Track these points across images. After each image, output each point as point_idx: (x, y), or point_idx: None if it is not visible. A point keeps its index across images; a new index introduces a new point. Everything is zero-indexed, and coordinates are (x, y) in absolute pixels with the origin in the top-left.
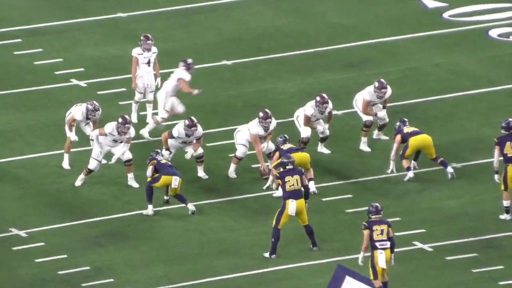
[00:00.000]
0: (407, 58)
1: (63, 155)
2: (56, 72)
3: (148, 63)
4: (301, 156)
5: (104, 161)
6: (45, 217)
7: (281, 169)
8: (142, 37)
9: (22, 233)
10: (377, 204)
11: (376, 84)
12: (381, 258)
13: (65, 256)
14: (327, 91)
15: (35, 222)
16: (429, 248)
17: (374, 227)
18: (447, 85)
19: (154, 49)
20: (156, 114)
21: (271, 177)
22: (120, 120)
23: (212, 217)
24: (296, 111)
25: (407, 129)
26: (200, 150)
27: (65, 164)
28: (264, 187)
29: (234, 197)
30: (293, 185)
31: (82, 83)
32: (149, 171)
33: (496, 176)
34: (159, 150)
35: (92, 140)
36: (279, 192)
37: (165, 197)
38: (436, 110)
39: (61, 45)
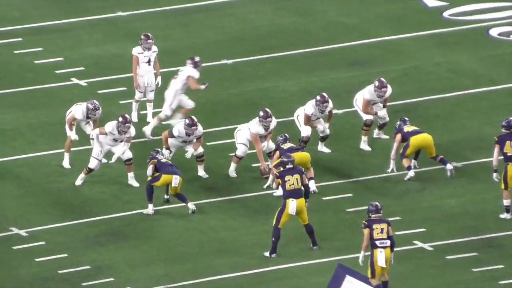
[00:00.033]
0: (407, 57)
1: (63, 154)
2: (57, 71)
3: (149, 62)
4: (301, 156)
5: (104, 160)
6: (46, 216)
7: (281, 168)
8: (142, 36)
9: (23, 232)
10: (377, 203)
11: (376, 83)
12: (381, 257)
13: (65, 255)
14: (327, 90)
15: (36, 221)
16: (429, 247)
17: (374, 226)
18: (447, 84)
19: (154, 48)
20: (156, 113)
21: (271, 176)
22: (120, 119)
23: (212, 216)
24: (297, 110)
25: (408, 128)
26: (201, 149)
27: (66, 163)
28: (265, 186)
29: (235, 196)
30: (293, 184)
31: (83, 82)
32: (150, 170)
33: (494, 175)
34: (159, 149)
35: (93, 139)
36: (279, 191)
37: (166, 196)
38: (437, 109)
39: (61, 44)
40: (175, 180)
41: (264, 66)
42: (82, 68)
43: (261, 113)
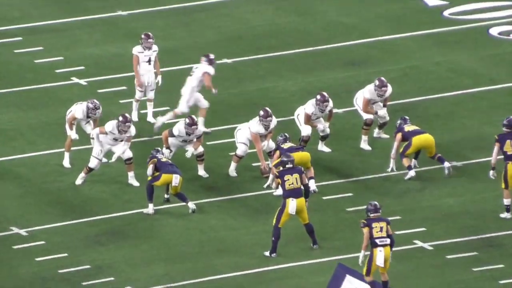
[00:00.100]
0: (407, 57)
1: (63, 154)
2: (57, 71)
3: (149, 61)
4: (301, 155)
5: (104, 160)
6: (46, 215)
7: (281, 168)
8: (143, 36)
9: (23, 231)
10: (375, 202)
11: (377, 82)
12: (380, 256)
13: (65, 254)
14: (327, 89)
15: (36, 220)
16: (429, 246)
17: (373, 225)
18: (447, 84)
19: (154, 47)
20: (157, 112)
21: (271, 176)
22: (120, 118)
23: (212, 215)
24: (297, 109)
25: (408, 127)
26: (201, 149)
27: (66, 163)
28: (265, 186)
29: (235, 195)
30: (292, 183)
31: (83, 82)
32: (150, 169)
33: (491, 172)
34: (159, 149)
35: (93, 138)
36: (279, 191)
37: (166, 196)
38: (437, 108)
39: (61, 43)
40: (175, 179)
41: (264, 66)
42: (82, 68)
43: (261, 113)
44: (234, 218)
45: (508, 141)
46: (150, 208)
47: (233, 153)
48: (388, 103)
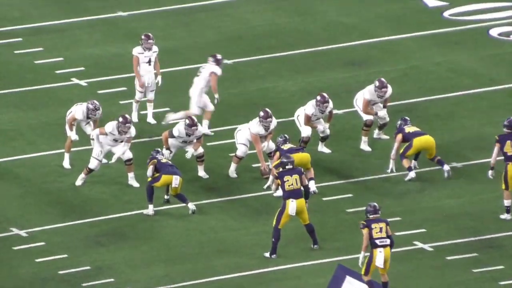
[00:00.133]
0: (407, 57)
1: (63, 154)
2: (57, 71)
3: (149, 62)
4: (301, 156)
5: (104, 161)
6: (46, 216)
7: (281, 169)
8: (143, 36)
9: (23, 232)
10: (375, 203)
11: (377, 83)
12: (380, 257)
13: (65, 255)
14: (327, 90)
15: (36, 221)
16: (429, 248)
17: (373, 225)
18: (447, 84)
19: (155, 48)
20: (157, 113)
21: (271, 177)
22: (120, 119)
23: (212, 216)
24: (297, 110)
25: (409, 128)
26: (201, 150)
27: (66, 164)
28: (265, 187)
29: (235, 196)
30: (292, 184)
31: (83, 82)
32: (150, 170)
33: (490, 172)
34: (159, 149)
35: (93, 139)
36: (279, 192)
37: (166, 197)
38: (437, 108)
39: (61, 44)
40: (175, 180)
41: (264, 66)
42: (82, 68)
43: (261, 113)
44: (234, 219)
45: (508, 142)
46: (150, 209)
47: (233, 154)
48: (388, 104)
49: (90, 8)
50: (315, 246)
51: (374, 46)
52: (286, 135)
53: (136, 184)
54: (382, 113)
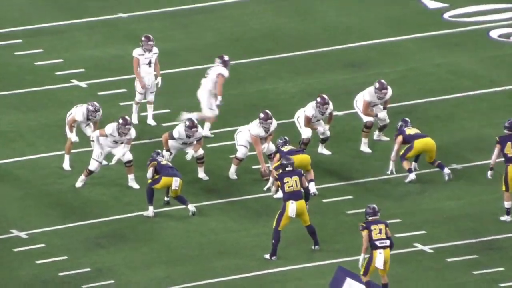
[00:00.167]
0: (407, 59)
1: (63, 156)
2: (57, 73)
3: (149, 63)
4: (301, 158)
5: (104, 162)
6: (46, 218)
7: (281, 171)
8: (143, 38)
9: (23, 234)
10: (374, 205)
11: (377, 85)
12: (379, 258)
13: (65, 257)
14: (327, 91)
15: (36, 223)
16: (429, 249)
17: (372, 227)
18: (447, 86)
19: (155, 49)
20: (157, 115)
21: (271, 179)
22: (120, 121)
23: (212, 218)
24: (297, 112)
25: (409, 130)
26: (201, 151)
27: (66, 165)
28: (265, 188)
29: (235, 198)
30: (291, 186)
31: (83, 84)
32: (150, 172)
33: (489, 173)
34: (159, 151)
35: (93, 141)
36: (279, 194)
37: (166, 198)
38: (437, 110)
39: (61, 45)
40: (175, 182)
41: (264, 68)
42: (82, 70)
43: (261, 115)
44: (234, 221)
45: (508, 143)
46: (150, 211)
47: (233, 156)
48: (388, 105)
49: (90, 9)
50: (316, 247)
51: (374, 48)
52: (286, 137)
53: (136, 186)
54: (382, 114)
